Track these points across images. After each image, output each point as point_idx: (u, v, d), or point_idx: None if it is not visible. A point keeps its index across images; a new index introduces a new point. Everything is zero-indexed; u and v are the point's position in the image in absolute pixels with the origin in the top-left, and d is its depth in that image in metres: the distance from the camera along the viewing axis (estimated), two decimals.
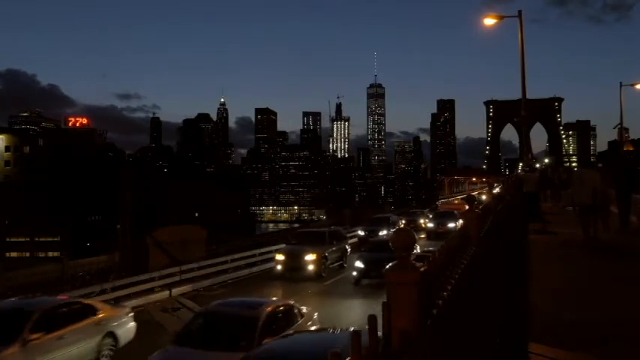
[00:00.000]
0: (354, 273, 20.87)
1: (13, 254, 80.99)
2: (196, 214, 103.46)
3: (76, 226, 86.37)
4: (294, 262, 22.49)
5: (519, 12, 22.99)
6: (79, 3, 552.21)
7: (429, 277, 1.77)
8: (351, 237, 33.07)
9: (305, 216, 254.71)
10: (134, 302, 18.34)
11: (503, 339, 3.97)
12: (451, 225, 31.40)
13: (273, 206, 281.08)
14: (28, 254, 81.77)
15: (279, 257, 23.17)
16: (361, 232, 33.72)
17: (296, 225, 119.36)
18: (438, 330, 1.78)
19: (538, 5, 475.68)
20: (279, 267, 22.77)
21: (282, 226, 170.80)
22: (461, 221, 20.16)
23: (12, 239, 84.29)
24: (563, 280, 9.21)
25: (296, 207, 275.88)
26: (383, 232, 31.59)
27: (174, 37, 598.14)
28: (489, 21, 23.18)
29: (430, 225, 35.55)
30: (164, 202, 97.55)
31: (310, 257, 22.37)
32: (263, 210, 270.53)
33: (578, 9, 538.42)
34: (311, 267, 22.22)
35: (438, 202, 67.15)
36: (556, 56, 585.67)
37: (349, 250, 26.63)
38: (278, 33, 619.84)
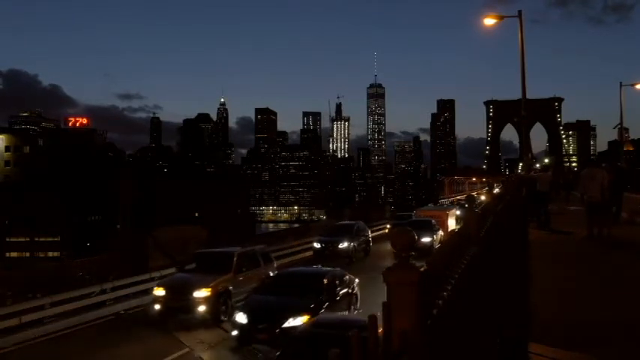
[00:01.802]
0: (234, 332, 13.07)
1: (13, 254, 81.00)
2: (196, 214, 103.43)
3: (76, 226, 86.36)
4: (178, 301, 15.42)
5: (519, 12, 23.00)
6: (81, 3, 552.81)
7: (428, 277, 1.77)
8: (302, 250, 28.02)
9: (305, 216, 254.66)
10: (134, 302, 18.34)
11: (503, 339, 3.97)
12: (426, 240, 25.14)
13: (273, 206, 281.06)
14: (28, 254, 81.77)
15: (158, 292, 15.87)
16: (316, 244, 26.57)
17: (296, 225, 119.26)
18: (438, 330, 1.78)
19: (539, 6, 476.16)
20: (157, 306, 15.67)
21: (282, 226, 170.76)
22: (441, 233, 23.40)
23: (12, 239, 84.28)
24: (563, 280, 9.21)
25: (296, 207, 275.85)
26: (343, 245, 25.85)
27: (176, 38, 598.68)
28: (489, 21, 23.17)
29: None
30: (164, 202, 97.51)
31: (201, 294, 15.22)
32: (263, 210, 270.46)
33: (579, 10, 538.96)
34: (202, 308, 15.21)
35: (414, 212, 46.23)
36: (556, 56, 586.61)
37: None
38: (278, 33, 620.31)
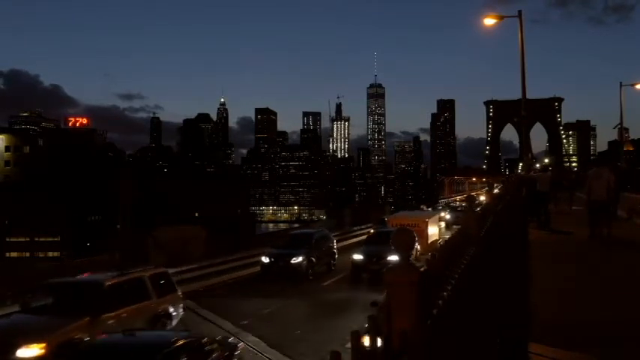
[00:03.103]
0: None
1: (13, 254, 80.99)
2: (196, 214, 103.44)
3: (76, 226, 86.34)
4: None
5: (519, 12, 23.00)
6: (82, 3, 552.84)
7: (429, 277, 1.77)
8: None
9: (305, 216, 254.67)
10: None
11: (503, 339, 3.97)
12: (394, 258, 19.32)
13: (273, 206, 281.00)
14: (28, 254, 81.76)
15: None
16: (264, 259, 22.53)
17: (296, 225, 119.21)
18: (438, 330, 1.78)
19: (539, 6, 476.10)
20: None
21: (282, 226, 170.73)
22: (417, 247, 20.12)
23: (12, 239, 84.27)
24: (563, 280, 9.21)
25: (296, 207, 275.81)
26: (297, 259, 21.81)
27: (176, 38, 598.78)
28: (489, 21, 23.17)
29: (358, 257, 22.09)
30: (164, 202, 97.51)
31: (28, 353, 9.92)
32: (263, 210, 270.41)
33: (579, 10, 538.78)
34: None
35: (387, 218, 36.74)
36: (556, 56, 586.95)
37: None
38: (278, 33, 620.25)
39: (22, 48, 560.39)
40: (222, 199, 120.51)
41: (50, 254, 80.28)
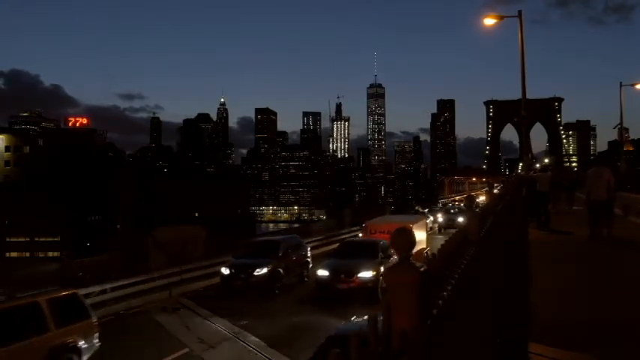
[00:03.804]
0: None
1: (13, 254, 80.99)
2: (196, 214, 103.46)
3: (76, 226, 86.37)
4: None
5: (519, 12, 23.01)
6: (82, 4, 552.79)
7: (429, 277, 1.77)
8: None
9: (305, 216, 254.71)
10: (134, 302, 18.36)
11: (503, 339, 3.97)
12: (365, 275, 17.36)
13: (273, 206, 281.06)
14: (28, 254, 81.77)
15: None
16: (224, 270, 19.49)
17: (296, 225, 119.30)
18: (438, 330, 1.78)
19: (539, 6, 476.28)
20: None
21: (282, 226, 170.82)
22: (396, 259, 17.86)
23: (12, 239, 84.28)
24: (563, 280, 9.21)
25: (296, 207, 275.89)
26: (262, 271, 18.89)
27: (177, 38, 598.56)
28: (489, 21, 23.18)
29: (322, 273, 18.09)
30: (164, 202, 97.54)
31: None
32: (263, 210, 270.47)
33: (580, 10, 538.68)
34: None
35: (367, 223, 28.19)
36: (556, 57, 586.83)
37: None
38: (278, 33, 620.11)
39: (23, 48, 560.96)
40: (222, 199, 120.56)
41: (50, 254, 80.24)
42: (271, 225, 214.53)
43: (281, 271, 19.53)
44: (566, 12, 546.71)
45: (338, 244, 23.57)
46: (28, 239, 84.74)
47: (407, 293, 1.60)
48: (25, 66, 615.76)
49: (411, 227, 22.93)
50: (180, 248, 24.24)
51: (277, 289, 18.95)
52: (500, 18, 23.03)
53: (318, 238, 32.82)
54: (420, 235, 25.36)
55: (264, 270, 18.88)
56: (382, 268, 16.90)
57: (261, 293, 18.37)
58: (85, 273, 22.62)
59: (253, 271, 18.85)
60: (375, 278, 16.98)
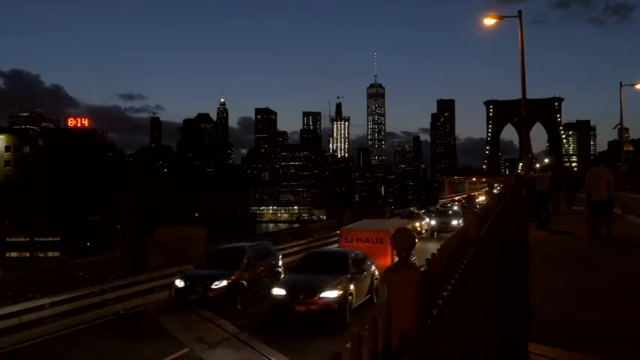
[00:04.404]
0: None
1: (13, 254, 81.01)
2: (196, 214, 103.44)
3: (76, 226, 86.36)
4: None
5: (519, 12, 22.99)
6: (83, 4, 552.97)
7: (429, 277, 1.77)
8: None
9: (305, 216, 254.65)
10: (134, 302, 18.35)
11: (503, 339, 3.97)
12: (329, 294, 14.35)
13: (273, 206, 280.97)
14: (28, 254, 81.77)
15: None
16: (179, 282, 17.26)
17: (296, 225, 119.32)
18: (438, 330, 1.78)
19: (539, 7, 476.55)
20: None
21: (282, 226, 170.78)
22: (374, 271, 17.47)
23: (12, 239, 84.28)
24: (563, 280, 9.21)
25: (296, 207, 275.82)
26: (221, 284, 16.55)
27: (177, 38, 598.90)
28: (489, 21, 23.17)
29: (278, 292, 15.10)
30: (164, 202, 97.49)
31: None
32: (263, 210, 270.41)
33: (580, 11, 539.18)
34: None
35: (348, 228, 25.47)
36: (556, 57, 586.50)
37: None
38: (278, 33, 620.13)
39: (24, 48, 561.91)
40: (222, 199, 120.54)
41: (50, 254, 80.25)
42: (271, 225, 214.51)
43: (244, 283, 17.07)
44: (567, 12, 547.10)
45: (302, 255, 20.01)
46: (28, 239, 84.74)
47: (407, 293, 1.60)
48: (25, 66, 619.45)
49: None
50: (180, 248, 24.23)
51: (239, 303, 16.58)
52: (501, 18, 23.02)
53: (301, 242, 30.29)
54: None
55: (224, 282, 16.51)
56: (352, 287, 14.74)
57: (219, 309, 15.97)
58: (85, 273, 22.65)
59: (211, 284, 16.47)
60: (342, 298, 14.18)
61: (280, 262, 20.20)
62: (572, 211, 22.45)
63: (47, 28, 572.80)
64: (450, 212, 40.13)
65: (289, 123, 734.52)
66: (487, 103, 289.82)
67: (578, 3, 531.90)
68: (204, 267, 17.97)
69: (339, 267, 15.57)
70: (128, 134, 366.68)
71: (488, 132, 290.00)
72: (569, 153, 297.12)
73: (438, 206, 54.68)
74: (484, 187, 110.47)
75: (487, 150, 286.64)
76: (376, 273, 17.03)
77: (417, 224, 33.28)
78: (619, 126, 41.93)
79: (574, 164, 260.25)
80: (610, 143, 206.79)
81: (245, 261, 17.82)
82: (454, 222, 34.21)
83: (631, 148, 66.42)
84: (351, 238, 21.03)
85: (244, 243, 20.42)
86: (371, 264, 17.20)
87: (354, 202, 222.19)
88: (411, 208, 53.80)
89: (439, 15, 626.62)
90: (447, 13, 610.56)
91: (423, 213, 41.72)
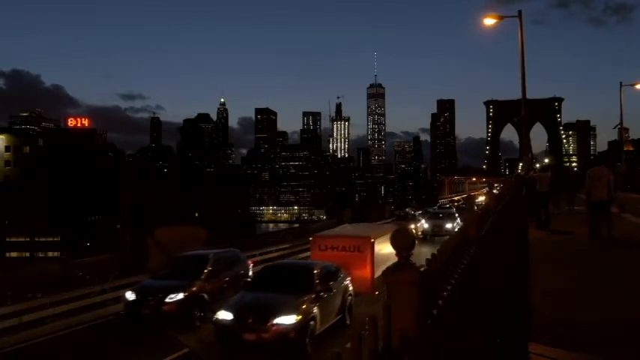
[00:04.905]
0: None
1: (13, 254, 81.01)
2: (196, 214, 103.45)
3: (76, 226, 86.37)
4: None
5: (519, 12, 22.99)
6: (84, 4, 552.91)
7: (429, 277, 1.77)
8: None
9: (305, 216, 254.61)
10: None
11: (503, 339, 3.97)
12: (286, 320, 11.98)
13: (273, 206, 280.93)
14: (28, 254, 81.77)
15: None
16: (130, 295, 15.16)
17: (296, 225, 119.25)
18: (438, 330, 1.78)
19: (540, 7, 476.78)
20: None
21: (282, 226, 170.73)
22: (346, 285, 15.02)
23: (12, 239, 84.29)
24: (563, 280, 9.21)
25: (296, 207, 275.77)
26: (177, 297, 14.51)
27: (177, 38, 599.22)
28: (489, 21, 23.16)
29: (225, 316, 12.44)
30: (164, 202, 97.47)
31: None
32: (263, 210, 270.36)
33: (580, 11, 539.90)
34: None
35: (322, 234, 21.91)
36: (556, 57, 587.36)
37: None
38: (278, 33, 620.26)
39: (24, 48, 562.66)
40: (222, 199, 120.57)
41: (50, 254, 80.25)
42: (271, 225, 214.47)
43: (205, 296, 14.95)
44: (567, 12, 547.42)
45: (261, 268, 17.36)
46: (28, 239, 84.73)
47: (407, 293, 1.60)
48: (26, 66, 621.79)
49: (373, 241, 17.07)
50: (180, 248, 24.22)
51: (198, 319, 14.51)
52: (501, 18, 23.01)
53: (285, 246, 28.83)
54: (391, 249, 18.36)
55: (180, 295, 14.46)
56: (316, 309, 12.26)
57: (174, 325, 14.16)
58: (85, 273, 22.66)
59: (165, 297, 14.47)
60: (301, 324, 11.67)
61: (251, 272, 17.92)
62: (572, 211, 22.45)
63: (47, 28, 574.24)
64: (443, 215, 37.33)
65: (289, 123, 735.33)
66: (487, 103, 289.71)
67: (578, 3, 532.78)
68: (161, 277, 15.94)
69: (301, 284, 13.03)
70: (128, 134, 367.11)
71: (488, 132, 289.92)
72: (569, 153, 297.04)
73: (436, 207, 53.04)
74: (484, 187, 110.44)
75: (487, 150, 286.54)
76: (350, 288, 14.86)
77: (412, 226, 31.57)
78: (619, 126, 41.94)
79: (574, 164, 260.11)
80: (610, 143, 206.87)
81: (207, 271, 15.75)
82: (448, 225, 32.31)
83: (631, 148, 66.47)
84: (325, 246, 17.72)
85: (209, 250, 18.25)
86: (344, 278, 14.81)
87: (354, 202, 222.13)
88: (407, 209, 51.08)
89: (439, 15, 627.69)
90: (447, 13, 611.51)
91: (420, 214, 40.30)
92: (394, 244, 1.77)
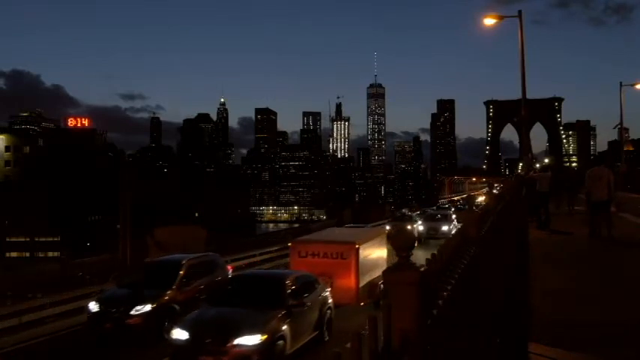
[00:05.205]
0: None
1: (13, 254, 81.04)
2: (196, 214, 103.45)
3: (76, 226, 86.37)
4: None
5: (519, 12, 22.99)
6: (84, 4, 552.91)
7: (429, 277, 1.77)
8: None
9: (305, 216, 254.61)
10: None
11: (503, 339, 3.97)
12: (246, 341, 10.37)
13: (273, 206, 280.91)
14: (28, 254, 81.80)
15: None
16: (93, 305, 13.68)
17: (296, 225, 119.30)
18: (438, 330, 1.78)
19: (540, 7, 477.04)
20: None
21: (282, 226, 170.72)
22: (324, 297, 13.42)
23: (12, 239, 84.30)
24: (563, 280, 9.21)
25: (296, 207, 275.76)
26: (144, 308, 13.07)
27: (178, 38, 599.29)
28: (489, 21, 23.16)
29: (179, 335, 10.78)
30: (164, 202, 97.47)
31: None
32: (263, 210, 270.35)
33: (580, 11, 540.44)
34: None
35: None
36: (557, 57, 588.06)
37: None
38: (278, 33, 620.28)
39: (24, 48, 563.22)
40: (222, 199, 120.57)
41: (50, 254, 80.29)
42: (271, 225, 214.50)
43: (176, 307, 13.44)
44: (567, 12, 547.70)
45: (227, 278, 15.41)
46: (28, 239, 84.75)
47: (407, 293, 1.60)
48: (26, 66, 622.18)
49: (358, 247, 15.30)
50: (180, 248, 24.24)
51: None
52: (501, 18, 23.01)
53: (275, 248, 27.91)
54: (379, 255, 17.37)
55: (147, 306, 13.02)
56: (285, 326, 10.88)
57: (140, 340, 12.79)
58: (85, 273, 22.68)
59: (130, 308, 13.00)
60: (267, 346, 10.32)
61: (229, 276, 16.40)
62: (572, 211, 22.44)
63: (47, 28, 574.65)
64: (440, 216, 35.98)
65: (289, 123, 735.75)
66: (487, 103, 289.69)
67: (578, 3, 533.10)
68: (129, 285, 14.40)
69: (270, 297, 11.53)
70: (128, 134, 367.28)
71: (488, 132, 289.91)
72: (569, 153, 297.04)
73: (434, 207, 51.27)
74: (484, 187, 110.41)
75: (487, 150, 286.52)
76: (330, 300, 13.32)
77: (409, 227, 30.76)
78: (619, 126, 41.94)
79: (574, 164, 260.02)
80: (610, 143, 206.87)
81: (180, 278, 14.18)
82: (444, 227, 31.09)
83: (631, 148, 66.49)
84: (304, 252, 15.81)
85: (183, 255, 16.34)
86: (322, 289, 13.28)
87: (354, 202, 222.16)
88: (403, 210, 48.79)
89: (439, 15, 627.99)
90: (447, 13, 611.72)
91: (418, 215, 39.01)
92: (394, 244, 1.77)
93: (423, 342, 1.62)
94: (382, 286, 14.49)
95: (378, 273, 15.91)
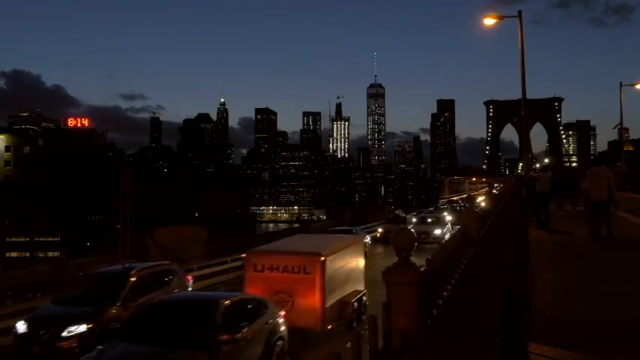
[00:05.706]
0: None
1: (13, 254, 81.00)
2: (196, 214, 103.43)
3: (76, 226, 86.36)
4: None
5: (519, 12, 22.96)
6: (84, 4, 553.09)
7: (429, 277, 1.77)
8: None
9: (305, 216, 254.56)
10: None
11: (503, 339, 3.97)
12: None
13: (273, 206, 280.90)
14: (28, 254, 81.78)
15: None
16: (21, 325, 11.48)
17: (296, 225, 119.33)
18: (438, 330, 1.78)
19: (540, 7, 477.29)
20: None
21: (282, 226, 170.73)
22: (282, 329, 10.88)
23: (12, 239, 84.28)
24: (564, 280, 9.20)
25: (296, 207, 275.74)
26: (78, 328, 10.91)
27: (179, 38, 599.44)
28: (489, 21, 23.14)
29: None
30: (164, 202, 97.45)
31: None
32: (263, 210, 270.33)
33: (580, 11, 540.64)
34: None
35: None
36: (557, 57, 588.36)
37: None
38: (278, 33, 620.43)
39: (25, 48, 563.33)
40: (222, 199, 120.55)
41: (50, 254, 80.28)
42: (271, 225, 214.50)
43: (118, 327, 10.52)
44: (567, 13, 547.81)
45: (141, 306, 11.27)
46: (28, 239, 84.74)
47: (407, 293, 1.60)
48: (26, 66, 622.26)
49: (324, 259, 12.74)
50: (180, 248, 24.20)
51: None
52: (501, 18, 22.99)
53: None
54: (353, 267, 14.67)
55: (82, 327, 10.95)
56: None
57: None
58: (85, 273, 22.63)
59: (62, 329, 10.93)
60: None
61: (190, 289, 14.85)
62: (574, 211, 22.44)
63: (47, 28, 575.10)
64: (432, 220, 33.28)
65: (289, 123, 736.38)
66: (487, 103, 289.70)
67: (579, 3, 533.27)
68: (66, 301, 12.21)
69: (195, 330, 8.90)
70: (128, 134, 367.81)
71: (488, 132, 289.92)
72: (569, 153, 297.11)
73: (432, 208, 49.95)
74: (484, 187, 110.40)
75: (487, 150, 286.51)
76: (282, 329, 10.93)
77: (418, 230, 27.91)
78: (619, 126, 41.94)
79: (574, 164, 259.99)
80: (610, 143, 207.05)
81: (126, 292, 12.15)
82: (437, 231, 29.07)
83: (631, 148, 66.56)
84: (261, 265, 13.20)
85: (134, 264, 13.98)
86: (270, 314, 10.77)
87: (354, 202, 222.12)
88: (397, 211, 46.22)
89: (439, 15, 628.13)
90: (447, 13, 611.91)
91: (413, 216, 37.83)
92: (394, 244, 1.77)
93: (423, 342, 1.62)
94: (356, 304, 13.52)
95: (351, 289, 14.01)
